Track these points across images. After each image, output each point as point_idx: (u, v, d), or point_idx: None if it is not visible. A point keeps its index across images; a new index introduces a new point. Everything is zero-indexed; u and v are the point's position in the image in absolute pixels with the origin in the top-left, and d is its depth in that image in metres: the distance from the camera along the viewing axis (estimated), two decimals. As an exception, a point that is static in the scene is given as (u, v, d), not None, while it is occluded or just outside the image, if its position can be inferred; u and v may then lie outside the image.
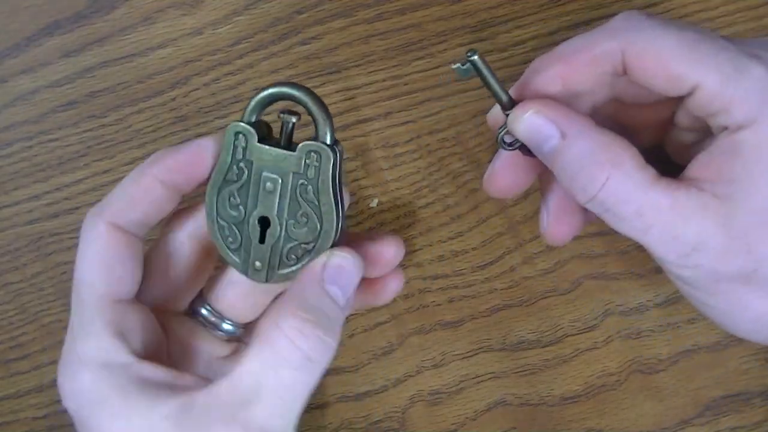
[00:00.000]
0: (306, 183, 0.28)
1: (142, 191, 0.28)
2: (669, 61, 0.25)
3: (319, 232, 0.29)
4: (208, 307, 0.32)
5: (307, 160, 0.28)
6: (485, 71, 0.27)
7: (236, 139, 0.28)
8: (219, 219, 0.29)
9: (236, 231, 0.29)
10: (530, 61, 0.35)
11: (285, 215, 0.29)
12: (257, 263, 0.29)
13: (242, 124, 0.28)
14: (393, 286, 0.31)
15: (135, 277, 0.29)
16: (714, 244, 0.25)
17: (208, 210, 0.29)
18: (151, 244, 0.31)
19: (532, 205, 0.35)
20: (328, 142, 0.28)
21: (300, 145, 0.28)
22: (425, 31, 0.35)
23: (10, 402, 0.37)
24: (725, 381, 0.35)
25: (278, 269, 0.29)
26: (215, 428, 0.25)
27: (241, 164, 0.29)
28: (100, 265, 0.28)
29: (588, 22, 0.34)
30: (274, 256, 0.29)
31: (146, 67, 0.36)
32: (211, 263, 0.33)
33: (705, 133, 0.28)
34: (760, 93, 0.24)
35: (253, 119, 0.29)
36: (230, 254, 0.29)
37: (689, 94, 0.25)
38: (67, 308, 0.37)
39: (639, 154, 0.26)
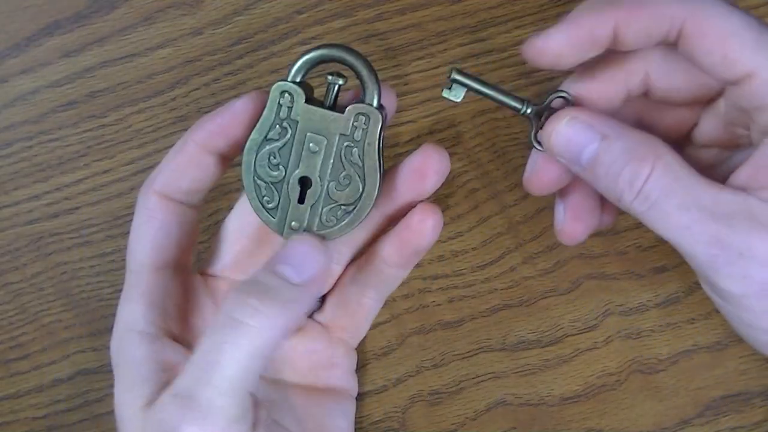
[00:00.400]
0: (352, 145, 0.29)
1: (187, 159, 0.29)
2: (729, 41, 0.24)
3: (361, 194, 0.29)
4: None
5: (355, 123, 0.29)
6: (476, 84, 0.27)
7: (281, 97, 0.28)
8: (257, 178, 0.29)
9: (274, 190, 0.29)
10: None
11: (327, 176, 0.29)
12: (294, 223, 0.29)
13: (289, 83, 0.28)
14: (430, 223, 0.31)
15: (181, 245, 0.30)
16: (763, 252, 0.24)
17: (245, 167, 0.29)
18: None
19: (532, 205, 0.35)
20: (375, 105, 0.29)
21: (349, 107, 0.28)
22: (425, 31, 0.35)
23: (10, 402, 0.37)
24: (725, 381, 0.35)
25: (315, 230, 0.29)
26: (157, 403, 0.26)
27: (285, 123, 0.28)
28: (145, 234, 0.29)
29: (588, 22, 0.34)
30: (313, 217, 0.29)
31: (146, 67, 0.36)
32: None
33: (722, 153, 0.28)
34: None
35: (298, 79, 0.29)
36: (266, 213, 0.29)
37: (737, 82, 0.25)
38: (66, 308, 0.37)
39: (678, 154, 0.26)
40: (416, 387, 0.36)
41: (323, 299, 0.34)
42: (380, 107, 0.29)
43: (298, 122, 0.28)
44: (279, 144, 0.29)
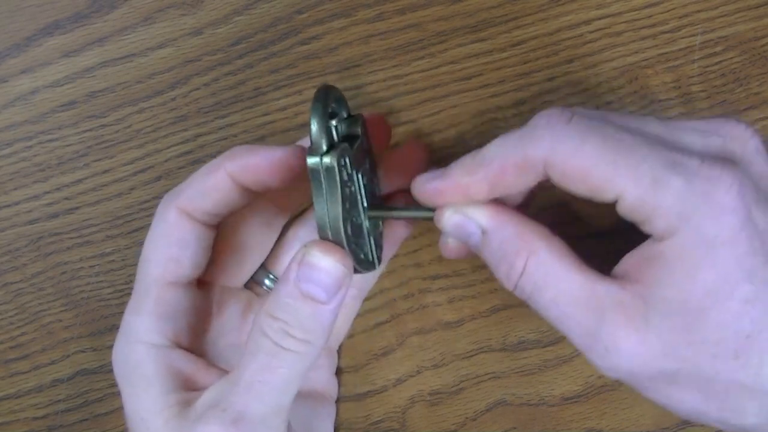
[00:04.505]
0: (367, 155, 0.30)
1: (213, 184, 0.29)
2: (589, 173, 0.24)
3: (380, 184, 0.31)
4: (271, 276, 0.34)
5: (364, 135, 0.30)
6: (386, 213, 0.30)
7: (340, 166, 0.27)
8: (353, 245, 0.28)
9: (362, 239, 0.29)
10: (530, 62, 0.35)
11: (372, 191, 0.30)
12: (377, 249, 0.30)
13: (336, 154, 0.26)
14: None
15: (195, 262, 0.30)
16: (628, 346, 0.24)
17: (346, 245, 0.27)
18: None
19: (533, 205, 0.35)
20: (352, 113, 0.30)
21: (358, 123, 0.29)
22: (425, 31, 0.35)
23: (9, 402, 0.37)
24: (725, 381, 0.35)
25: (380, 242, 0.31)
26: (201, 419, 0.27)
27: (348, 183, 0.28)
28: (161, 246, 0.30)
29: (588, 21, 0.34)
30: (378, 230, 0.31)
31: (146, 67, 0.36)
32: (272, 240, 0.34)
33: None
34: (679, 206, 0.23)
35: (325, 144, 0.27)
36: (368, 264, 0.29)
37: (614, 201, 0.25)
38: (66, 308, 0.37)
39: (561, 242, 0.26)
40: (416, 387, 0.36)
41: None
42: (353, 113, 0.30)
43: (352, 173, 0.28)
44: (350, 201, 0.28)
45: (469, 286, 0.36)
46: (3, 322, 0.37)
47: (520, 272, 0.26)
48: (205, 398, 0.27)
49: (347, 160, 0.27)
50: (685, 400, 0.25)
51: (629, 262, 0.26)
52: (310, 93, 0.35)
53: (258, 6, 0.36)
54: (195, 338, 0.31)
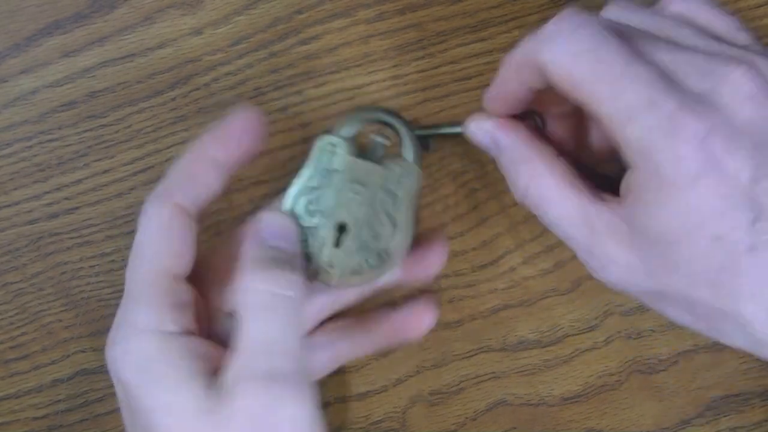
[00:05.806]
0: (389, 197, 0.31)
1: (204, 178, 0.30)
2: (576, 89, 0.25)
3: (391, 245, 0.31)
4: None
5: (393, 176, 0.31)
6: (431, 130, 0.32)
7: (325, 148, 0.30)
8: (303, 229, 0.31)
9: (309, 235, 0.31)
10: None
11: (364, 224, 0.31)
12: (330, 269, 0.31)
13: (333, 136, 0.31)
14: (426, 322, 0.35)
15: (191, 255, 0.31)
16: (618, 265, 0.26)
17: (289, 209, 0.31)
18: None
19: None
20: (412, 160, 0.31)
21: (388, 161, 0.31)
22: (425, 31, 0.35)
23: (9, 402, 0.37)
24: (725, 381, 0.35)
25: (350, 275, 0.31)
26: (234, 393, 0.26)
27: (326, 173, 0.31)
28: (163, 241, 0.30)
29: (588, 22, 0.34)
30: (348, 261, 0.31)
31: (146, 67, 0.36)
32: None
33: None
34: (642, 144, 0.24)
35: (343, 135, 0.31)
36: (312, 275, 0.31)
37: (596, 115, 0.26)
38: (66, 308, 0.37)
39: (563, 164, 0.28)
40: (416, 387, 0.36)
41: None
42: (418, 164, 0.31)
43: (340, 171, 0.31)
44: (318, 192, 0.31)
45: (469, 286, 0.36)
46: (3, 322, 0.37)
47: (524, 193, 0.28)
48: (231, 374, 0.27)
49: (338, 153, 0.30)
50: (678, 316, 0.26)
51: (624, 184, 0.26)
52: (311, 93, 0.35)
53: (258, 6, 0.36)
54: (200, 329, 0.31)
